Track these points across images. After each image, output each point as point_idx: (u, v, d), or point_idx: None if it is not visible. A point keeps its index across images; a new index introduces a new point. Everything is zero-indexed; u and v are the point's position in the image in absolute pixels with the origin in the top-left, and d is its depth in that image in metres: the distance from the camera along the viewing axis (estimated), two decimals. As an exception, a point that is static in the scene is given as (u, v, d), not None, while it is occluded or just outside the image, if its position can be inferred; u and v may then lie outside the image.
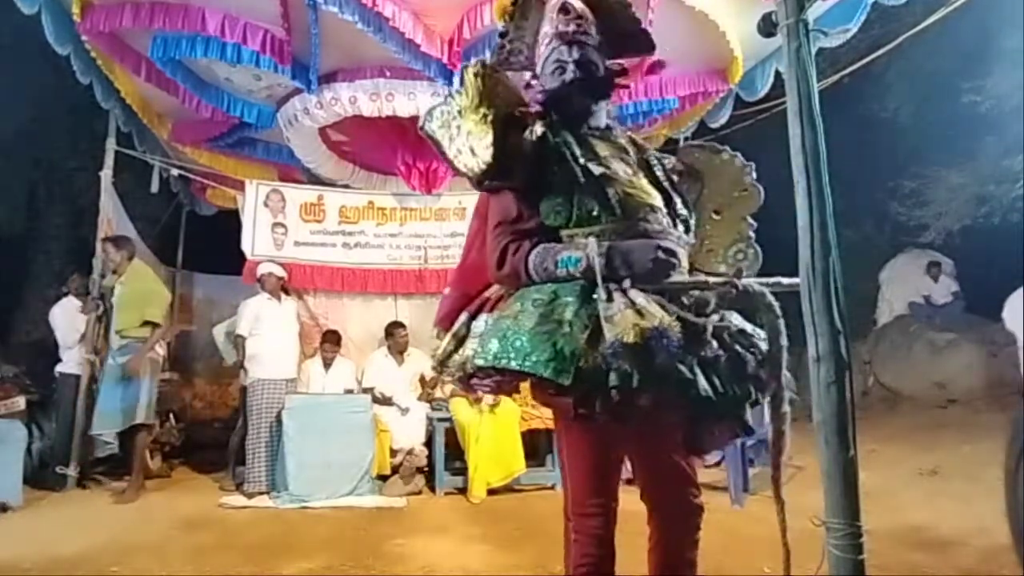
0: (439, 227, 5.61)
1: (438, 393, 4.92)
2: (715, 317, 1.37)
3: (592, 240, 1.36)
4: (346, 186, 6.11)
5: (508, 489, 4.44)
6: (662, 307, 1.30)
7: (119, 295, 4.51)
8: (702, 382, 1.25)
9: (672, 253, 1.37)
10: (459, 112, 1.44)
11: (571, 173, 1.42)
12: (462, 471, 4.45)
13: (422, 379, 5.08)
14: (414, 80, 4.76)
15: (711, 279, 1.42)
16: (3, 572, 2.89)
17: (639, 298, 1.30)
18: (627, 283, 1.32)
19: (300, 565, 2.94)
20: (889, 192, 7.89)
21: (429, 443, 4.63)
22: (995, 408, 5.57)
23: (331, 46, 4.47)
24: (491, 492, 4.33)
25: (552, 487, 4.55)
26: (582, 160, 1.44)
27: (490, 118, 1.43)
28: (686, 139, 5.86)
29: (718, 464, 4.33)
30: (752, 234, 1.70)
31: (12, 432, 4.17)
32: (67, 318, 4.86)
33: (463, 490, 4.39)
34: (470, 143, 1.42)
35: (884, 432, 5.65)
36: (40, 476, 4.48)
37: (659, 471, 1.48)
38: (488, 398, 4.47)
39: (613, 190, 1.43)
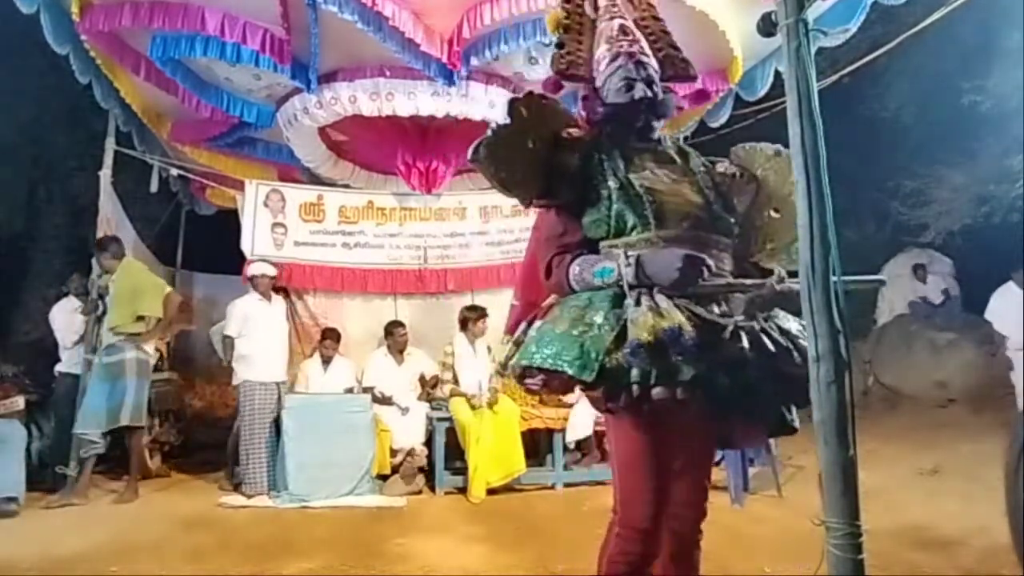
0: (439, 227, 5.61)
1: (438, 393, 4.92)
2: (739, 317, 1.43)
3: (620, 253, 1.47)
4: (346, 186, 6.12)
5: (508, 489, 4.44)
6: (687, 309, 1.39)
7: (111, 293, 4.49)
8: (722, 380, 1.32)
9: (701, 260, 1.41)
10: (506, 142, 1.52)
11: (611, 188, 1.53)
12: (462, 471, 4.45)
13: (422, 379, 5.08)
14: (414, 80, 4.76)
15: (746, 281, 1.47)
16: (3, 572, 2.89)
17: (663, 302, 1.39)
18: (655, 289, 1.41)
19: (300, 565, 2.94)
20: (890, 192, 7.90)
21: (429, 443, 4.63)
22: (995, 408, 5.57)
23: (331, 45, 4.47)
24: (491, 492, 4.33)
25: (552, 487, 4.56)
26: (622, 174, 1.55)
27: (536, 145, 1.54)
28: (685, 139, 5.85)
29: (718, 464, 4.33)
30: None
31: (12, 432, 4.17)
32: (66, 318, 4.85)
33: (463, 490, 4.39)
34: (519, 171, 1.53)
35: (884, 432, 5.65)
36: (39, 476, 4.47)
37: (684, 470, 1.54)
38: (485, 399, 4.49)
39: (651, 201, 1.51)
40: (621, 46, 1.66)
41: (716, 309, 1.45)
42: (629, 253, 1.46)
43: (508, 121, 1.51)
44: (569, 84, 1.75)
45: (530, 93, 1.59)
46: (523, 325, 1.64)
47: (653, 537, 1.47)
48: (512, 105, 1.54)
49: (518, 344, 1.61)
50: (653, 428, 1.44)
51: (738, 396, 1.35)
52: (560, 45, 1.75)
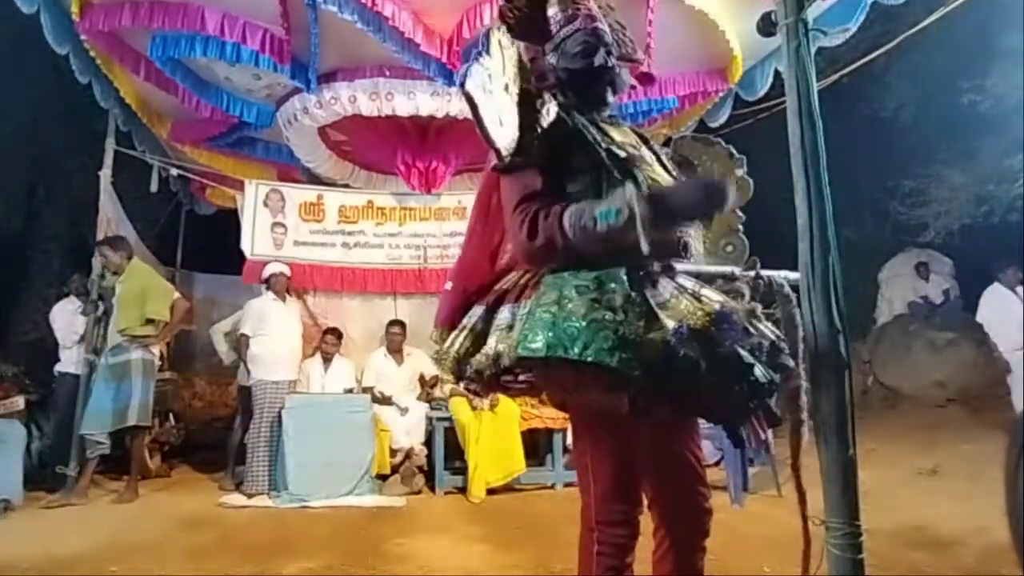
0: (439, 227, 5.61)
1: (438, 393, 4.92)
2: (757, 305, 1.33)
3: (629, 185, 1.26)
4: (346, 185, 6.12)
5: (508, 489, 4.44)
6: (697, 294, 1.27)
7: (119, 294, 4.50)
8: (758, 368, 1.21)
9: (723, 189, 1.24)
10: (489, 76, 1.39)
11: (595, 156, 1.36)
12: (462, 471, 4.45)
13: (422, 379, 5.09)
14: (414, 79, 4.76)
15: (737, 270, 1.40)
16: (3, 572, 2.88)
17: (689, 283, 1.27)
18: (677, 267, 1.29)
19: (300, 565, 2.94)
20: (889, 191, 7.89)
21: (429, 443, 4.63)
22: (995, 408, 5.57)
23: (330, 45, 4.47)
24: (491, 492, 4.33)
25: (552, 487, 4.56)
26: (604, 144, 1.38)
27: (512, 89, 1.36)
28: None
29: (718, 464, 4.33)
30: (740, 226, 1.71)
31: (11, 432, 4.17)
32: (67, 318, 4.85)
33: (463, 490, 4.39)
34: (499, 112, 1.36)
35: (884, 432, 5.65)
36: (39, 476, 4.47)
37: (674, 471, 1.45)
38: (486, 401, 4.48)
39: (641, 175, 1.37)
40: (578, 8, 1.50)
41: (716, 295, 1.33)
42: (640, 190, 1.25)
43: (488, 52, 1.39)
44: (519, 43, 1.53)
45: (506, 27, 1.43)
46: (477, 310, 1.45)
47: (631, 547, 1.37)
48: (491, 34, 1.41)
49: (475, 333, 1.42)
50: (645, 434, 1.36)
51: (763, 384, 1.23)
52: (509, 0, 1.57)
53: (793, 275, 1.34)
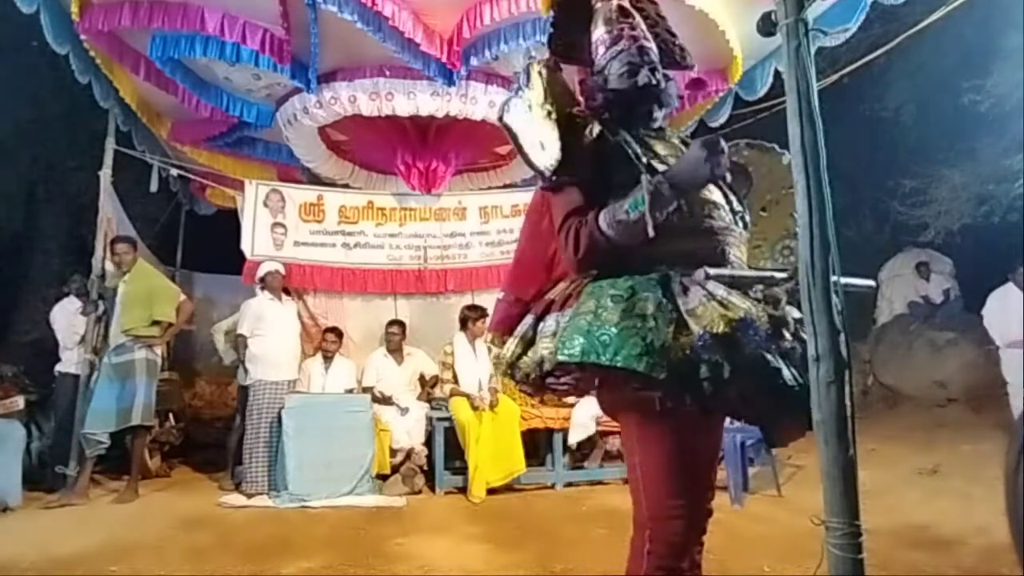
0: (439, 227, 5.61)
1: (438, 393, 4.92)
2: (792, 309, 1.35)
3: (645, 176, 1.36)
4: (346, 186, 6.12)
5: (508, 489, 4.44)
6: (727, 302, 1.30)
7: (124, 294, 4.50)
8: (787, 372, 1.26)
9: (717, 142, 1.35)
10: (529, 106, 1.46)
11: (635, 172, 1.41)
12: (462, 471, 4.45)
13: (422, 379, 5.09)
14: (413, 79, 4.76)
15: (776, 274, 1.40)
16: (2, 572, 2.89)
17: (719, 290, 1.30)
18: (700, 275, 1.32)
19: (300, 565, 2.94)
20: (889, 191, 7.90)
21: (429, 443, 4.63)
22: (995, 408, 5.57)
23: (330, 45, 4.47)
24: (491, 492, 4.33)
25: (552, 487, 4.56)
26: (645, 159, 1.44)
27: (554, 115, 1.45)
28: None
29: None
30: (797, 230, 1.71)
31: (11, 432, 4.17)
32: (67, 318, 4.85)
33: (463, 490, 4.39)
34: (540, 137, 1.43)
35: (884, 432, 5.66)
36: (39, 476, 4.47)
37: (699, 468, 1.45)
38: (487, 401, 4.49)
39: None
40: (622, 28, 1.57)
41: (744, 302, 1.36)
42: (651, 178, 1.35)
43: (529, 84, 1.45)
44: (567, 66, 1.64)
45: (546, 59, 1.52)
46: (528, 319, 1.55)
47: (687, 550, 1.36)
48: (530, 68, 1.48)
49: (525, 341, 1.51)
50: (687, 431, 1.35)
51: (793, 388, 1.26)
52: (555, 25, 1.66)
53: (843, 280, 1.35)
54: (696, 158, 1.34)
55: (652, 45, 1.60)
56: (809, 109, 1.17)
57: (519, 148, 1.44)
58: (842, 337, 1.13)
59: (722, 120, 5.97)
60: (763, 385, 1.26)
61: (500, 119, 1.45)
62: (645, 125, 1.57)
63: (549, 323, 1.48)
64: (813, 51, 1.21)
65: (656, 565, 1.34)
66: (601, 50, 1.59)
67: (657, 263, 1.37)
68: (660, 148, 1.52)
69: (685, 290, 1.32)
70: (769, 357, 1.25)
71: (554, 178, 1.44)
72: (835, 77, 5.15)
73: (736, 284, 1.34)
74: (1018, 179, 6.50)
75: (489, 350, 4.54)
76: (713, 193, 1.49)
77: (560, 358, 1.34)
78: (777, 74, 5.09)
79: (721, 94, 5.63)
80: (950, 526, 3.19)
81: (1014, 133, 6.19)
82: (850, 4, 4.30)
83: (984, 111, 6.54)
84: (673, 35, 1.72)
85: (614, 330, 1.28)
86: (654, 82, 1.55)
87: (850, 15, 4.27)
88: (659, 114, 1.60)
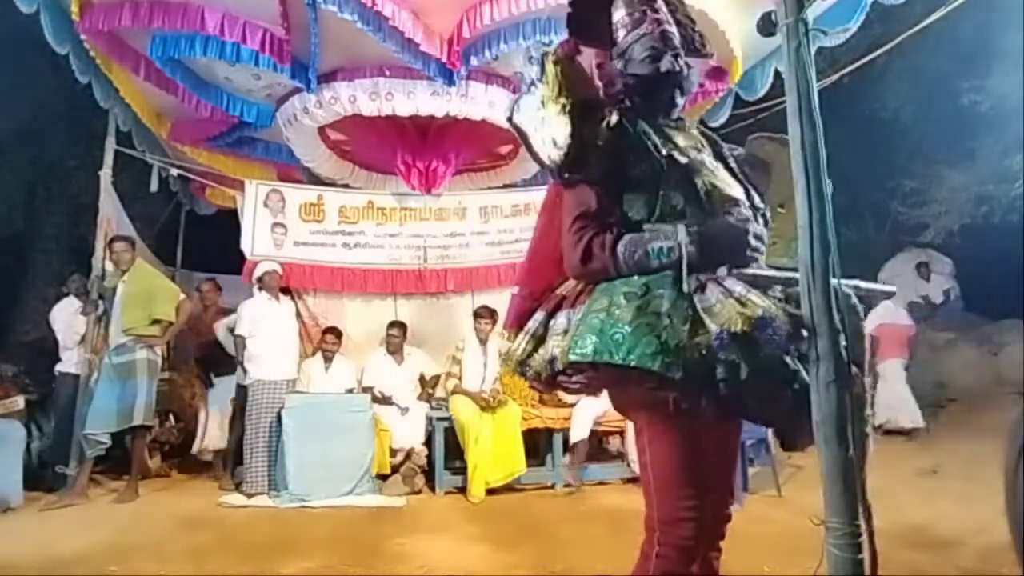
0: (439, 227, 5.61)
1: (438, 392, 4.92)
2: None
3: (681, 227, 1.32)
4: (346, 185, 6.11)
5: (508, 489, 4.44)
6: (746, 299, 1.27)
7: (123, 294, 4.49)
8: (804, 374, 1.21)
9: (761, 239, 1.35)
10: (542, 102, 1.42)
11: (654, 164, 1.38)
12: (462, 470, 4.44)
13: (422, 378, 5.08)
14: (413, 79, 4.76)
15: (795, 275, 1.35)
16: (2, 572, 2.89)
17: (737, 287, 1.27)
18: (722, 271, 1.29)
19: (300, 564, 2.94)
20: (889, 191, 7.90)
21: (429, 442, 4.63)
22: (995, 408, 5.57)
23: (331, 45, 4.47)
24: (491, 492, 4.33)
25: (552, 487, 4.55)
26: (664, 150, 1.40)
27: (568, 108, 1.39)
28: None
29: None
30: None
31: (11, 432, 4.17)
32: (67, 318, 4.85)
33: (463, 490, 4.39)
34: (552, 134, 1.39)
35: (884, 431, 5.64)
36: (39, 476, 4.47)
37: (712, 471, 1.42)
38: (495, 401, 4.48)
39: (700, 181, 1.39)
40: (644, 11, 1.50)
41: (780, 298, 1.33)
42: (689, 229, 1.31)
43: (542, 78, 1.41)
44: (585, 49, 1.55)
45: (560, 50, 1.47)
46: (539, 316, 1.51)
47: (697, 553, 1.34)
48: (544, 61, 1.44)
49: (536, 338, 1.48)
50: (700, 432, 1.32)
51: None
52: (573, 3, 1.58)
53: (865, 284, 1.34)
54: (737, 236, 1.34)
55: (675, 30, 1.53)
56: (809, 109, 1.17)
57: (529, 148, 1.42)
58: (842, 338, 1.13)
59: (722, 120, 5.96)
60: (780, 387, 1.22)
61: (509, 119, 1.43)
62: (666, 114, 1.52)
63: (560, 320, 1.45)
64: (813, 51, 1.21)
65: (664, 568, 1.31)
66: (622, 32, 1.52)
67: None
68: (680, 139, 1.47)
69: (702, 287, 1.28)
70: (787, 359, 1.21)
71: (567, 176, 1.41)
72: (835, 77, 5.14)
73: (756, 283, 1.31)
74: (1018, 179, 6.50)
75: (499, 353, 4.51)
76: (733, 188, 1.45)
77: (572, 357, 1.31)
78: (777, 74, 5.09)
79: (721, 94, 5.63)
80: (950, 526, 3.19)
81: (1014, 133, 6.19)
82: (850, 4, 4.30)
83: (984, 111, 6.54)
84: (692, 21, 1.65)
85: (628, 328, 1.25)
86: (677, 68, 1.48)
87: (850, 15, 4.27)
88: (680, 101, 1.54)
